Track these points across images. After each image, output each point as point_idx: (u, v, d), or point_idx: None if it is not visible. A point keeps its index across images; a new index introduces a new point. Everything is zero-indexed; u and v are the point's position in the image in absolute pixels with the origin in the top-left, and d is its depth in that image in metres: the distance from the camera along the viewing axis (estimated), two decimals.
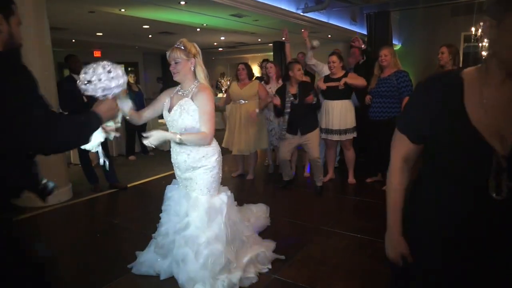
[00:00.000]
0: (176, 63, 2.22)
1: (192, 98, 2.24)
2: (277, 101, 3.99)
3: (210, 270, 2.25)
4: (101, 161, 2.00)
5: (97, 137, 1.77)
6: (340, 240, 3.13)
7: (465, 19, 9.62)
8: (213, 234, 2.30)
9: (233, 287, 2.31)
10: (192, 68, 2.27)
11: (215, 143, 2.41)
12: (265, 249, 2.65)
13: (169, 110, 2.32)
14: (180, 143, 2.22)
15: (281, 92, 4.13)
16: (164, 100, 2.39)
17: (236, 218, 2.54)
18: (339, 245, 3.04)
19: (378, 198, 4.06)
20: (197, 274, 2.25)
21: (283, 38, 4.90)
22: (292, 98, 4.00)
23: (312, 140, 4.08)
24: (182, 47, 2.22)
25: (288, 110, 4.03)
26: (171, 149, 2.45)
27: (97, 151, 1.89)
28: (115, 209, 4.23)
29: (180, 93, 2.34)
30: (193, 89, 2.27)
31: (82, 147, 1.68)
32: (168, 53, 2.23)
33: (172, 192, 2.50)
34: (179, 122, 2.25)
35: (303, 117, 4.01)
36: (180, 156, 2.35)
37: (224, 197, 2.43)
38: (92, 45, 11.08)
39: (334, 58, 4.28)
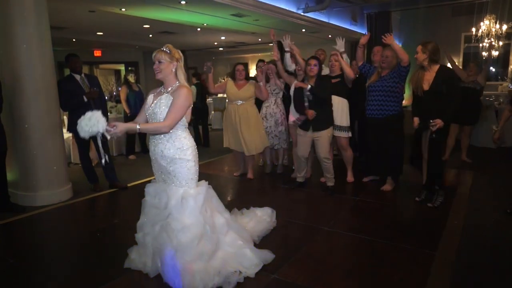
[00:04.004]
0: (159, 62, 2.41)
1: (171, 94, 2.42)
2: (311, 114, 4.00)
3: (185, 258, 2.33)
4: (102, 161, 2.31)
5: (102, 121, 2.15)
6: (339, 240, 3.13)
7: (465, 19, 9.62)
8: (189, 222, 2.39)
9: (209, 282, 2.33)
10: (174, 70, 2.46)
11: (189, 137, 2.53)
12: (247, 266, 2.53)
13: (151, 105, 2.50)
14: (140, 132, 2.38)
15: (299, 87, 4.12)
16: (148, 97, 2.56)
17: (212, 213, 2.58)
18: (339, 245, 3.05)
19: (378, 198, 4.07)
20: (174, 261, 2.33)
21: (272, 38, 4.81)
22: (308, 93, 4.00)
23: (323, 138, 4.07)
24: (168, 51, 2.43)
25: (306, 104, 4.05)
26: (149, 142, 2.56)
27: (98, 150, 2.16)
28: (115, 208, 4.22)
29: (163, 90, 2.51)
30: (174, 88, 2.45)
31: (86, 129, 2.14)
32: (154, 54, 2.43)
33: (150, 188, 2.61)
34: (157, 114, 2.42)
35: (316, 113, 4.01)
36: (157, 148, 2.49)
37: (201, 189, 2.53)
38: (93, 44, 11.09)
39: (336, 57, 4.39)
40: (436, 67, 3.57)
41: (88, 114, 2.17)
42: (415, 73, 3.70)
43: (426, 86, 3.58)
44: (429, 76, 3.58)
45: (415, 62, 3.74)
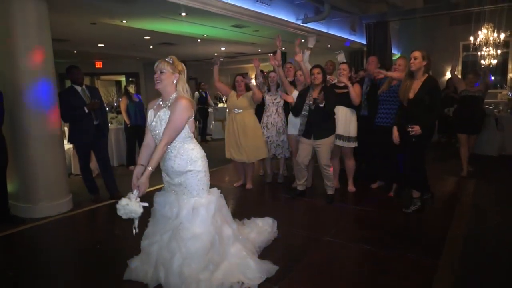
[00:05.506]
0: (161, 72, 2.39)
1: (169, 108, 2.39)
2: (287, 98, 4.29)
3: (192, 267, 2.33)
4: (135, 229, 2.40)
5: (137, 209, 2.26)
6: (341, 249, 3.11)
7: (463, 28, 9.69)
8: (199, 231, 2.39)
9: None
10: (174, 82, 2.43)
11: (197, 148, 2.53)
12: (250, 278, 2.50)
13: (152, 122, 2.48)
14: (155, 168, 2.37)
15: (303, 93, 4.24)
16: (149, 114, 2.54)
17: (222, 224, 2.59)
18: (340, 255, 3.02)
19: (379, 207, 4.05)
20: (181, 269, 2.32)
21: (278, 44, 4.78)
22: (310, 102, 4.05)
23: (324, 146, 4.11)
24: (171, 61, 2.41)
25: (305, 112, 4.11)
26: None
27: (133, 220, 2.34)
28: (115, 219, 4.19)
29: (161, 103, 2.48)
30: (171, 100, 2.42)
31: (126, 217, 2.30)
32: (156, 63, 2.41)
33: (159, 198, 2.60)
34: (160, 132, 2.40)
35: (318, 122, 4.06)
36: (167, 163, 2.49)
37: (212, 198, 2.53)
38: (94, 56, 11.18)
39: (345, 66, 4.43)
40: (424, 77, 3.61)
41: (121, 210, 2.26)
42: (403, 82, 3.72)
43: (411, 95, 3.62)
44: (416, 85, 3.62)
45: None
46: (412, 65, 3.59)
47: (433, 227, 3.54)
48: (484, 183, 4.97)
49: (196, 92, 9.75)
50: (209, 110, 10.08)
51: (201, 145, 2.61)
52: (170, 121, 2.34)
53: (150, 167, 2.32)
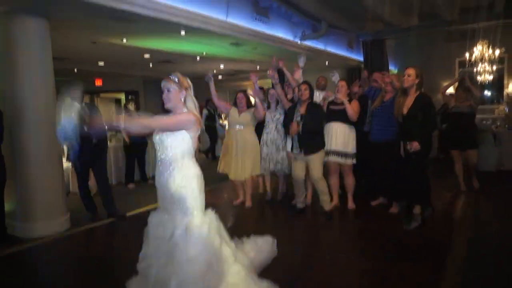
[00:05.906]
0: (168, 91, 2.40)
1: None
2: (294, 129, 4.13)
3: None
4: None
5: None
6: (341, 266, 3.08)
7: (459, 45, 9.82)
8: (194, 254, 2.32)
9: None
10: (183, 99, 2.44)
11: (195, 166, 2.47)
12: None
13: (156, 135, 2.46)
14: (124, 126, 2.28)
15: (291, 110, 4.32)
16: None
17: (221, 243, 2.52)
18: (341, 272, 2.99)
19: (379, 224, 4.03)
20: None
21: (279, 64, 4.88)
22: (298, 119, 4.11)
23: (315, 161, 4.15)
24: (176, 79, 2.42)
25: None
26: (155, 171, 2.52)
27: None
28: (113, 239, 4.16)
29: None
30: None
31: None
32: (162, 83, 2.41)
33: (153, 218, 2.55)
34: (165, 141, 2.38)
35: (308, 137, 4.10)
36: (163, 176, 2.43)
37: (205, 218, 2.47)
38: (94, 74, 11.26)
39: (343, 83, 4.44)
40: (417, 93, 3.69)
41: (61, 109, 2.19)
42: (397, 98, 3.83)
43: (405, 111, 3.71)
44: (409, 101, 3.72)
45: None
46: (405, 81, 3.69)
47: (433, 241, 3.51)
48: (483, 198, 4.97)
49: (205, 109, 9.74)
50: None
51: (200, 159, 2.60)
52: (171, 116, 2.37)
53: (122, 122, 2.22)
